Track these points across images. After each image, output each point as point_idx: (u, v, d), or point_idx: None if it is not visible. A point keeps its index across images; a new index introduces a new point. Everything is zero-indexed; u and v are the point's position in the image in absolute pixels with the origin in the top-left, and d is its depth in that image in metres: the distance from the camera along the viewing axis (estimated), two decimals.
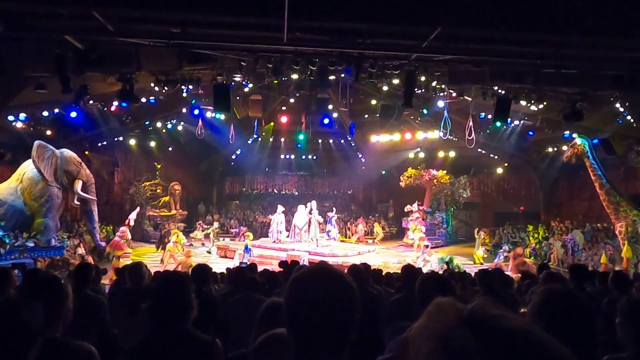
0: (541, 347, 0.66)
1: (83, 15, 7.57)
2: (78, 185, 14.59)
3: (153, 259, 17.69)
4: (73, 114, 13.47)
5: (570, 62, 9.33)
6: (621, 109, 12.52)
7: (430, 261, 17.01)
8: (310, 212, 21.01)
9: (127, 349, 2.47)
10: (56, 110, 14.02)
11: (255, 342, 1.67)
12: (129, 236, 16.88)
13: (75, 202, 15.02)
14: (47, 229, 13.86)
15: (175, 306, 2.39)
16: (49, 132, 15.97)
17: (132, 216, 17.99)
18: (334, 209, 23.75)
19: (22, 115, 13.99)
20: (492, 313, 0.70)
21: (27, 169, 14.04)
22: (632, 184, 19.18)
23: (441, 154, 25.14)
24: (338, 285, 1.37)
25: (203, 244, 22.23)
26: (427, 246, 18.85)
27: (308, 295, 1.33)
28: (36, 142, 13.72)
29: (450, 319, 0.72)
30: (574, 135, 15.72)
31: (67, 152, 14.69)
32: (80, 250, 16.59)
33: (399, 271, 6.32)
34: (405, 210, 23.93)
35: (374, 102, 18.35)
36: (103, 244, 16.21)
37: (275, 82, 14.46)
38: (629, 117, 12.84)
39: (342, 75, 13.18)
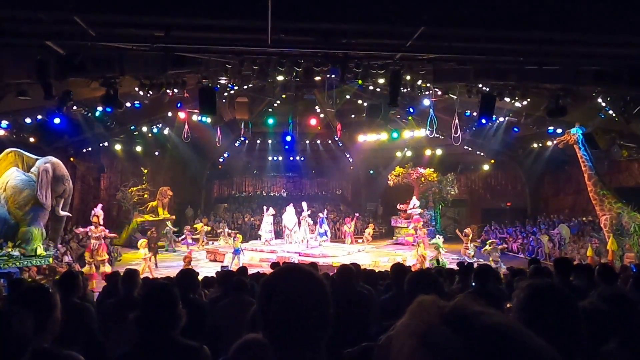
0: (520, 342, 0.67)
1: (64, 21, 7.48)
2: (60, 204, 14.47)
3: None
4: (56, 120, 13.28)
5: (552, 59, 9.46)
6: (603, 104, 12.72)
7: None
8: (300, 213, 20.98)
9: (114, 357, 2.46)
10: (39, 117, 13.83)
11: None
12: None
13: (61, 212, 14.84)
14: (33, 238, 13.68)
15: (162, 316, 2.39)
16: (32, 139, 15.76)
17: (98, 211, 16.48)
18: (325, 210, 23.74)
19: (4, 123, 13.78)
20: (471, 310, 0.71)
21: (11, 177, 13.85)
22: (616, 177, 19.48)
23: (428, 152, 25.33)
24: (309, 282, 1.39)
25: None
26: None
27: (280, 295, 1.34)
28: (41, 168, 13.57)
29: (432, 317, 0.72)
30: (577, 124, 15.71)
31: (59, 170, 14.47)
32: (67, 258, 16.37)
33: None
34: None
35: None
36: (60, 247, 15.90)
37: (270, 80, 14.39)
38: (610, 112, 13.04)
39: (328, 75, 13.20)
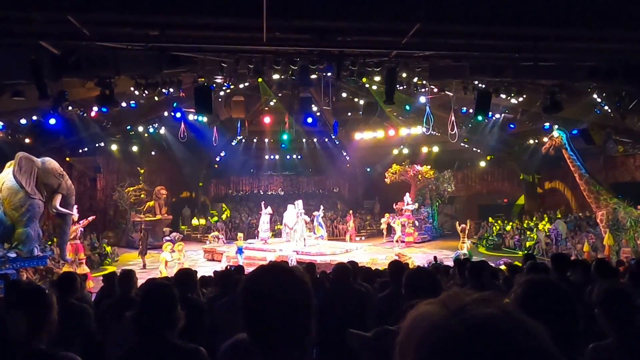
0: (503, 335, 0.67)
1: (58, 20, 7.43)
2: (57, 200, 14.19)
3: (139, 265, 17.56)
4: (52, 121, 13.16)
5: (548, 55, 9.47)
6: (598, 100, 12.74)
7: None
8: (297, 212, 20.96)
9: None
10: (34, 118, 13.74)
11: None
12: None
13: (53, 210, 14.70)
14: (29, 239, 13.57)
15: (160, 316, 2.37)
16: (27, 140, 15.66)
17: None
18: (322, 207, 23.73)
19: None
20: (473, 300, 0.72)
21: (6, 178, 13.74)
22: (612, 173, 19.56)
23: (425, 149, 25.35)
24: (289, 281, 1.39)
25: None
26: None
27: (261, 293, 1.35)
28: (20, 155, 13.35)
29: (451, 308, 0.73)
30: (555, 126, 15.92)
31: (49, 163, 14.26)
32: None
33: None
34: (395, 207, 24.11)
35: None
36: (70, 259, 15.68)
37: (260, 80, 14.40)
38: (606, 107, 13.07)
39: (324, 73, 13.18)
